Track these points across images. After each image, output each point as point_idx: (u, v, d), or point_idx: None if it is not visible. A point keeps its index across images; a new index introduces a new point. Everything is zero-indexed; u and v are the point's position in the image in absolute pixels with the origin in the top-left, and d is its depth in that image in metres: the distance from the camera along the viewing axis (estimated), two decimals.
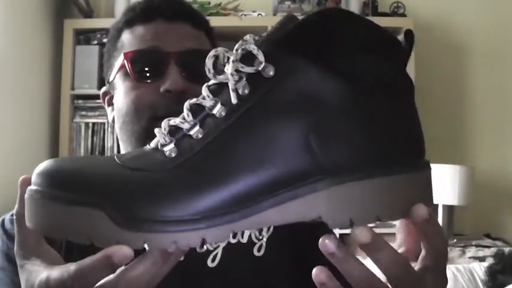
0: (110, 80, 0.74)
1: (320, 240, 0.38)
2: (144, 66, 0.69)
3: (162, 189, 0.36)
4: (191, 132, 0.39)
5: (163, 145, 0.39)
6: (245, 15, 2.49)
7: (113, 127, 2.46)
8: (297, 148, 0.38)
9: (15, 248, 0.43)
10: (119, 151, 2.47)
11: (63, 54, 2.48)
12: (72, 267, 0.38)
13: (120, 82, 0.71)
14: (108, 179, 0.37)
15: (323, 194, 0.38)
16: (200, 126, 0.39)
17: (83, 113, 2.51)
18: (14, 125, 2.20)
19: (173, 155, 0.38)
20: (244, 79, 0.39)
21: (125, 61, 0.69)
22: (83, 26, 2.52)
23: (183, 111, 0.66)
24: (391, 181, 0.39)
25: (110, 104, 0.76)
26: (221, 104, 0.39)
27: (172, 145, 0.39)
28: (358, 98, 0.39)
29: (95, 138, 2.51)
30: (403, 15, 2.54)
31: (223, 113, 0.39)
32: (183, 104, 0.66)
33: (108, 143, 2.50)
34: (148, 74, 0.68)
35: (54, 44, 2.52)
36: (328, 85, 0.38)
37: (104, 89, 0.78)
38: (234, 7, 2.49)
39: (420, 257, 0.43)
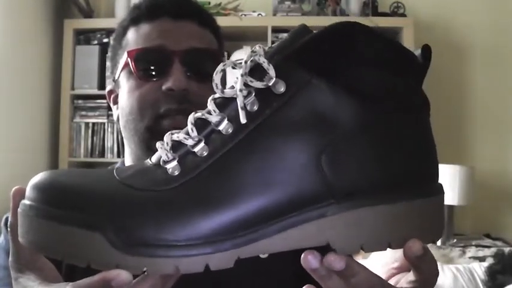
0: (115, 78, 0.74)
1: (302, 255, 0.37)
2: (148, 65, 0.68)
3: (164, 212, 0.34)
4: (195, 149, 0.37)
5: (165, 162, 0.37)
6: (245, 15, 2.48)
7: (113, 126, 2.46)
8: (307, 170, 0.36)
9: (10, 260, 0.42)
10: (119, 151, 2.44)
11: (63, 54, 2.49)
12: (67, 287, 0.37)
13: (124, 80, 0.71)
14: (108, 198, 0.35)
15: (333, 219, 0.36)
16: (205, 143, 0.37)
17: (83, 113, 2.52)
18: (14, 124, 2.20)
19: (176, 173, 0.36)
20: (253, 94, 0.37)
21: (129, 59, 0.69)
22: (83, 26, 2.52)
23: (185, 109, 0.66)
24: (405, 207, 0.37)
25: (116, 102, 0.75)
26: (228, 120, 0.37)
27: (175, 162, 0.36)
28: (372, 118, 0.37)
29: (94, 138, 2.51)
30: (403, 15, 2.54)
31: (230, 130, 0.36)
32: (185, 102, 0.66)
33: (108, 143, 2.50)
34: (152, 73, 0.68)
35: (54, 44, 2.52)
36: (342, 104, 0.36)
37: (109, 87, 0.78)
38: (234, 7, 2.49)
39: (409, 277, 0.42)
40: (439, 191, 0.39)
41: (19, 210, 0.37)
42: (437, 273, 0.40)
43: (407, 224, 0.37)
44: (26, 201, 0.37)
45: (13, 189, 0.40)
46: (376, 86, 0.37)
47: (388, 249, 0.37)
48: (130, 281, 0.34)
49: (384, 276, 0.45)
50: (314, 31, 0.38)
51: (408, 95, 0.38)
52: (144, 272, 0.34)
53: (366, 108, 0.37)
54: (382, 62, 0.37)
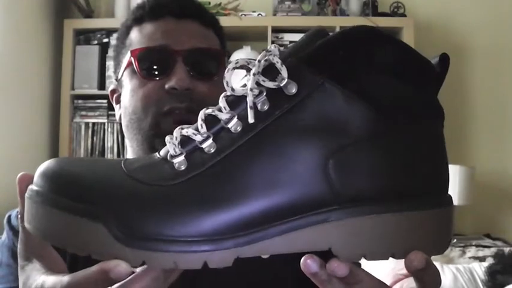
0: (118, 78, 0.74)
1: (302, 259, 0.36)
2: (151, 64, 0.69)
3: (168, 207, 0.34)
4: (203, 146, 0.36)
5: (173, 156, 0.37)
6: (245, 15, 2.49)
7: (113, 126, 2.46)
8: (314, 174, 0.35)
9: (18, 247, 0.42)
10: (119, 151, 2.44)
11: (63, 54, 2.49)
12: (66, 278, 0.36)
13: (127, 80, 0.71)
14: (113, 190, 0.35)
15: (336, 225, 0.35)
16: (213, 140, 0.36)
17: (83, 113, 2.52)
18: (14, 125, 2.20)
19: (182, 168, 0.36)
20: (265, 94, 0.36)
21: (132, 59, 0.69)
22: (83, 26, 2.52)
23: (188, 109, 0.66)
24: (411, 218, 0.36)
25: (118, 101, 0.76)
26: (237, 119, 0.36)
27: (182, 157, 0.36)
28: (385, 126, 0.36)
29: (94, 138, 2.51)
30: (403, 15, 2.54)
31: (238, 128, 0.36)
32: (188, 101, 0.66)
33: (108, 143, 2.50)
34: (155, 72, 0.68)
35: (54, 44, 2.52)
36: (354, 110, 0.36)
37: (112, 86, 0.78)
38: (234, 7, 2.50)
39: (410, 284, 0.42)
40: (449, 202, 0.38)
41: (26, 195, 0.37)
42: (439, 283, 0.39)
43: (413, 235, 0.36)
44: (34, 187, 0.37)
45: (19, 175, 0.40)
46: (391, 94, 0.37)
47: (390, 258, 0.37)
48: (129, 273, 0.34)
49: (390, 280, 0.45)
50: (330, 33, 0.38)
51: (423, 104, 0.38)
52: (142, 265, 0.34)
53: (379, 116, 0.36)
54: (398, 70, 0.37)
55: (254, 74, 0.36)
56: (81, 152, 2.49)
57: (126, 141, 0.74)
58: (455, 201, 2.24)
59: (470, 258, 2.09)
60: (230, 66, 0.38)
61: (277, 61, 0.36)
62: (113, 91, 0.78)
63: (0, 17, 2.09)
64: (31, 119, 2.36)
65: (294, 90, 0.36)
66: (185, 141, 0.37)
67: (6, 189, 1.80)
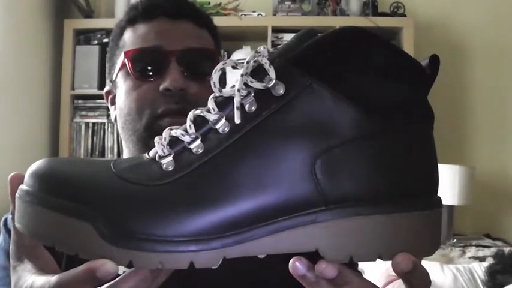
0: (113, 79, 0.74)
1: (290, 262, 0.37)
2: (145, 65, 0.69)
3: (154, 207, 0.34)
4: (191, 146, 0.37)
5: (161, 157, 0.37)
6: (245, 15, 2.48)
7: (113, 126, 2.46)
8: (301, 175, 0.35)
9: (10, 247, 0.42)
10: (119, 151, 2.44)
11: (63, 54, 2.48)
12: (54, 278, 0.36)
13: (121, 81, 0.71)
14: (101, 190, 0.35)
15: (323, 226, 0.35)
16: (202, 141, 0.37)
17: (83, 113, 2.51)
18: (14, 125, 2.20)
19: (170, 168, 0.36)
20: (252, 95, 0.36)
21: (126, 60, 0.69)
22: (83, 26, 2.52)
23: (183, 109, 0.66)
24: (400, 219, 0.36)
25: (113, 103, 0.76)
26: (225, 119, 0.37)
27: (170, 158, 0.37)
28: (372, 128, 0.36)
29: (94, 138, 2.51)
30: (403, 15, 2.53)
31: (226, 129, 0.36)
32: (183, 102, 0.66)
33: (108, 143, 2.50)
34: (149, 73, 0.68)
35: (54, 44, 2.52)
36: (342, 111, 0.36)
37: (106, 88, 0.78)
38: (234, 7, 2.49)
39: (401, 286, 0.42)
40: (438, 204, 0.38)
41: (17, 195, 0.38)
42: (428, 285, 0.39)
43: (401, 237, 0.36)
44: (24, 187, 0.37)
45: (10, 175, 0.40)
46: (380, 96, 0.36)
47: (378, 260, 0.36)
48: (116, 272, 0.34)
49: (384, 281, 0.45)
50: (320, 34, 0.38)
51: (413, 106, 0.37)
52: (129, 264, 0.34)
53: (368, 117, 0.36)
54: (387, 71, 0.36)
55: (242, 75, 0.36)
56: (81, 152, 2.49)
57: (122, 142, 0.74)
58: (455, 201, 2.24)
59: (470, 258, 2.09)
60: (217, 67, 0.38)
61: (265, 62, 0.36)
62: (108, 92, 0.78)
63: (0, 17, 2.09)
64: (31, 119, 2.36)
65: (281, 91, 0.36)
66: (174, 141, 0.37)
67: (6, 189, 1.79)
